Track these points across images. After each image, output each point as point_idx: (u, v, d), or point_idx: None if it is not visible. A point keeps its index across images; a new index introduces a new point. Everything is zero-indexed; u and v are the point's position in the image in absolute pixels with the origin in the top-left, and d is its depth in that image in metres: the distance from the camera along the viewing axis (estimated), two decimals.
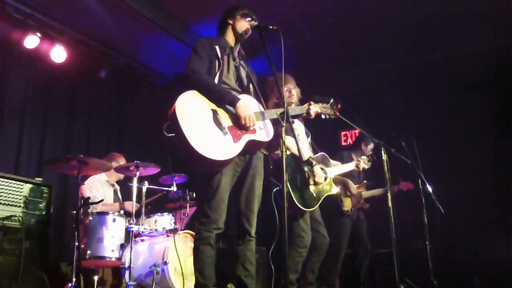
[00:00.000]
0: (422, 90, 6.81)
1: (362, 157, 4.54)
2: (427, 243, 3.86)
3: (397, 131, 4.20)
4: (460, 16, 5.62)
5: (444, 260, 5.55)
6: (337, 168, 4.15)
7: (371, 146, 5.12)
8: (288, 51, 2.72)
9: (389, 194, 3.64)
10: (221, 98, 2.74)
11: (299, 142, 3.71)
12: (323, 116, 3.42)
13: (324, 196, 3.78)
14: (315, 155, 3.93)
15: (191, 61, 2.81)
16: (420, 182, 3.94)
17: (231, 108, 2.74)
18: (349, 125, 3.80)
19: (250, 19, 3.00)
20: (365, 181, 5.01)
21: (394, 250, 3.49)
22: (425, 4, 5.42)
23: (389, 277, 5.50)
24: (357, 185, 4.87)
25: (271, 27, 2.76)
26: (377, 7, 5.48)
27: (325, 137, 5.21)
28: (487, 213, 6.11)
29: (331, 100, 3.45)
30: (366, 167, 4.46)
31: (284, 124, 2.57)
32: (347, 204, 4.81)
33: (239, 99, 2.74)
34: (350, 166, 4.35)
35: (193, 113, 2.61)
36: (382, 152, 3.74)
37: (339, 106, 3.46)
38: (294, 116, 3.36)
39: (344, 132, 7.65)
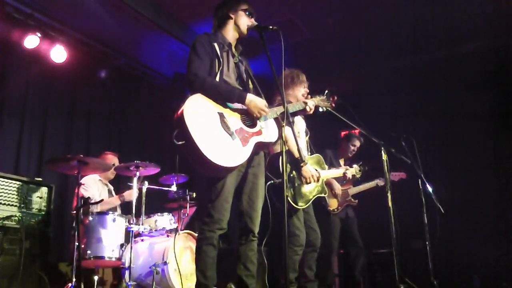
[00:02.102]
0: (422, 90, 6.81)
1: (354, 165, 4.51)
2: (427, 243, 3.85)
3: (397, 131, 4.20)
4: (459, 16, 5.62)
5: (444, 260, 5.55)
6: (327, 171, 4.13)
7: (353, 141, 5.11)
8: (288, 51, 2.71)
9: (389, 194, 3.64)
10: (229, 97, 2.75)
11: (299, 140, 3.71)
12: (320, 109, 3.40)
13: (315, 197, 3.77)
14: (311, 156, 3.93)
15: (191, 63, 2.76)
16: (420, 182, 3.93)
17: (238, 106, 2.76)
18: (349, 125, 3.81)
19: (251, 16, 2.97)
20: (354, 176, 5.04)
21: (394, 250, 3.49)
22: (425, 4, 5.42)
23: (389, 277, 5.50)
24: (344, 182, 4.89)
25: (271, 27, 2.75)
26: (377, 7, 5.48)
27: (325, 137, 5.22)
28: (487, 213, 6.12)
29: (326, 91, 3.43)
30: (357, 176, 4.46)
31: (284, 124, 2.56)
32: (333, 203, 4.82)
33: (247, 94, 2.76)
34: (339, 171, 4.34)
35: (201, 118, 2.60)
36: (382, 152, 3.74)
37: (335, 97, 3.45)
38: (295, 113, 3.37)
39: (344, 132, 7.65)
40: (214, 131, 2.60)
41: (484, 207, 6.13)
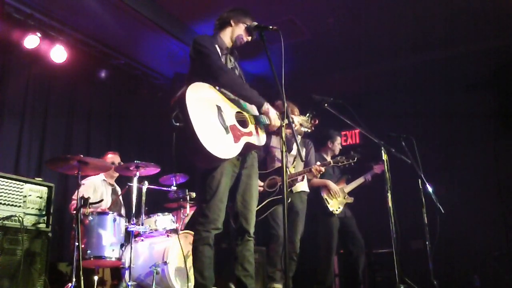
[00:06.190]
0: (422, 90, 6.81)
1: (317, 163, 4.43)
2: (427, 243, 3.85)
3: (397, 131, 4.20)
4: (460, 16, 5.62)
5: (444, 260, 5.55)
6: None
7: (337, 140, 5.10)
8: (288, 51, 2.71)
9: (389, 194, 3.63)
10: (250, 98, 2.85)
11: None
12: (302, 129, 3.38)
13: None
14: None
15: (209, 57, 2.78)
16: (420, 182, 3.93)
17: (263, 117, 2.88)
18: (349, 125, 3.81)
19: (249, 33, 3.01)
20: (345, 175, 5.07)
21: (394, 250, 3.49)
22: (424, 4, 5.42)
23: (389, 277, 5.50)
24: (336, 182, 4.91)
25: (271, 27, 2.75)
26: (377, 7, 5.48)
27: (325, 137, 5.22)
28: (487, 213, 6.11)
29: (308, 113, 3.41)
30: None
31: (284, 124, 2.57)
32: (334, 204, 4.82)
33: (264, 101, 2.84)
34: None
35: (201, 105, 2.64)
36: (382, 152, 3.74)
37: (316, 121, 3.43)
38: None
39: (344, 132, 7.64)
40: (211, 120, 2.65)
41: (484, 207, 6.12)
